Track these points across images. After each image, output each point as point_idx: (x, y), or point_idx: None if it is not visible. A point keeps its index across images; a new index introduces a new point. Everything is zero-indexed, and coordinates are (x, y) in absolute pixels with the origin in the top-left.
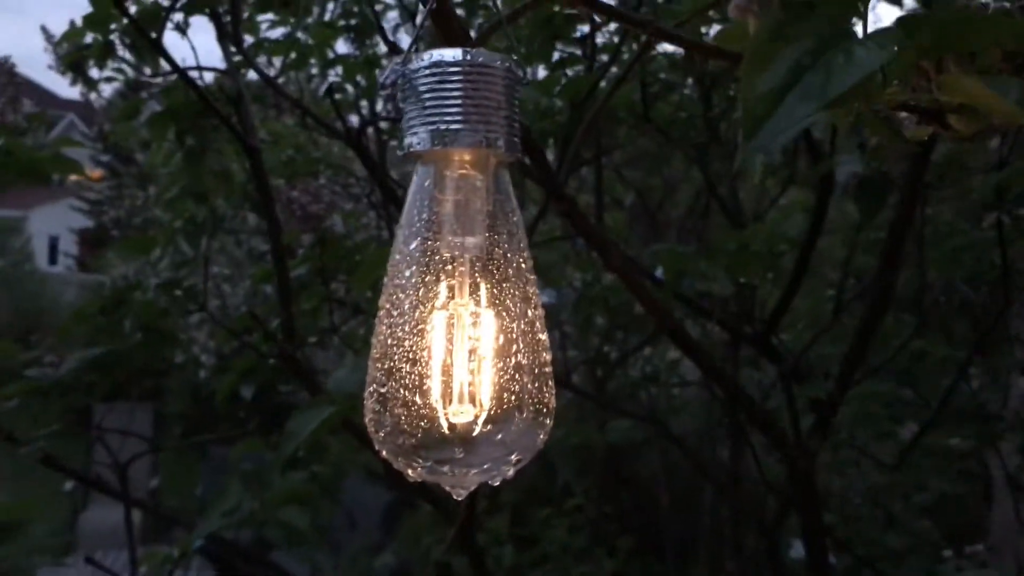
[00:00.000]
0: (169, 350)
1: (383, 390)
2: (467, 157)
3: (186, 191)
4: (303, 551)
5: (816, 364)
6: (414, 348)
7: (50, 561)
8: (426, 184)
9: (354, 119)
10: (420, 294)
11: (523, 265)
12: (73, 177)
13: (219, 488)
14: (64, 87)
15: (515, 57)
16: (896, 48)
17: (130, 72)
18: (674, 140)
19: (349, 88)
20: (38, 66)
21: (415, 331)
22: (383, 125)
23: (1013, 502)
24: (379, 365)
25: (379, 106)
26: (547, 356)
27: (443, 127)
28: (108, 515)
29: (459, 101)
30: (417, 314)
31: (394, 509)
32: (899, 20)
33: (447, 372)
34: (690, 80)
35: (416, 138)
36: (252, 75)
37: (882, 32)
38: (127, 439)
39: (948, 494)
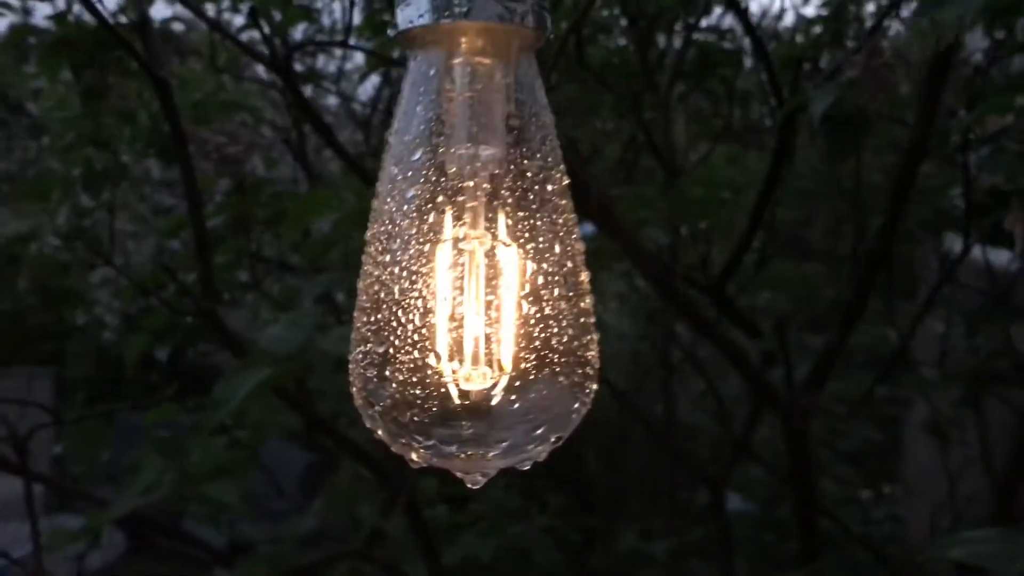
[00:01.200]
0: (70, 309)
1: (379, 350)
2: (483, 40)
3: (84, 136)
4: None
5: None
6: (415, 296)
7: None
8: (430, 73)
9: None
10: (422, 224)
11: (555, 185)
12: None
13: (128, 454)
14: None
15: None
16: None
17: (15, 4)
18: (608, 86)
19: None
20: None
21: (416, 273)
22: (299, 67)
23: (930, 446)
24: (369, 319)
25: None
26: (588, 302)
27: None
28: (11, 483)
29: None
30: (418, 251)
31: (313, 471)
32: None
33: (457, 325)
34: (624, 22)
35: (415, 9)
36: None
37: None
38: (27, 407)
39: (869, 441)
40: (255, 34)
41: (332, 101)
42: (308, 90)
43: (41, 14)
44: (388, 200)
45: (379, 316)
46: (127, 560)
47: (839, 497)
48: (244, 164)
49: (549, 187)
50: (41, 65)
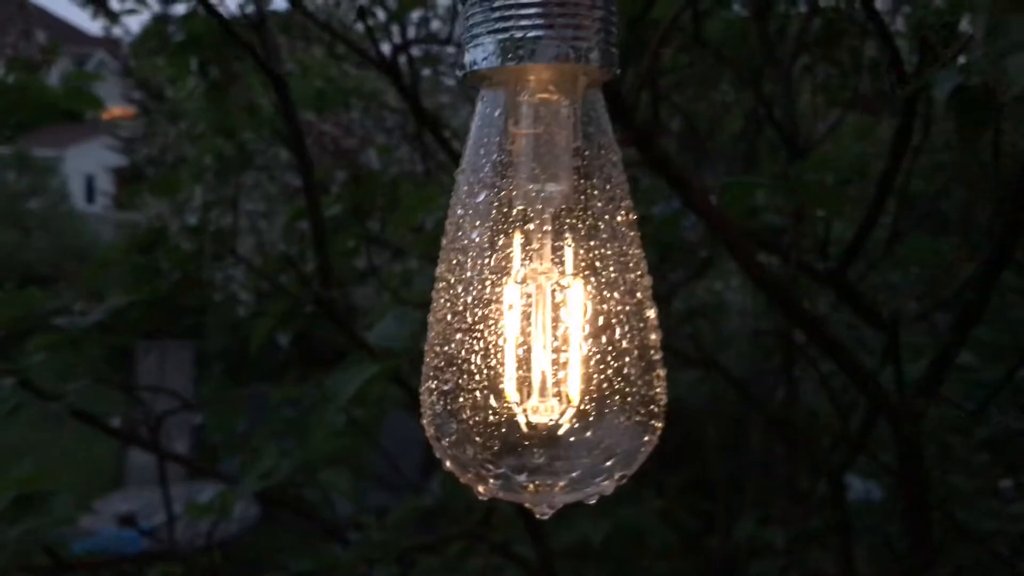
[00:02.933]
0: (203, 293)
1: (445, 386)
2: (549, 76)
3: (212, 127)
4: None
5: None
6: (483, 330)
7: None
8: (495, 115)
9: (386, 47)
10: (490, 260)
11: (623, 219)
12: (107, 115)
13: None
14: (94, 24)
15: None
16: None
17: (152, 3)
18: (726, 60)
19: (379, 13)
20: (62, 1)
21: (484, 308)
22: (416, 51)
23: None
24: (439, 351)
25: (412, 31)
26: (655, 337)
27: (518, 35)
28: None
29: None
30: (486, 286)
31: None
32: None
33: (526, 359)
34: None
35: (481, 51)
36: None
37: None
38: (167, 384)
39: (1009, 428)
40: (374, 20)
41: (452, 82)
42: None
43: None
44: (457, 238)
45: (449, 350)
46: (260, 528)
47: (969, 490)
48: (359, 156)
49: (616, 220)
50: (170, 63)
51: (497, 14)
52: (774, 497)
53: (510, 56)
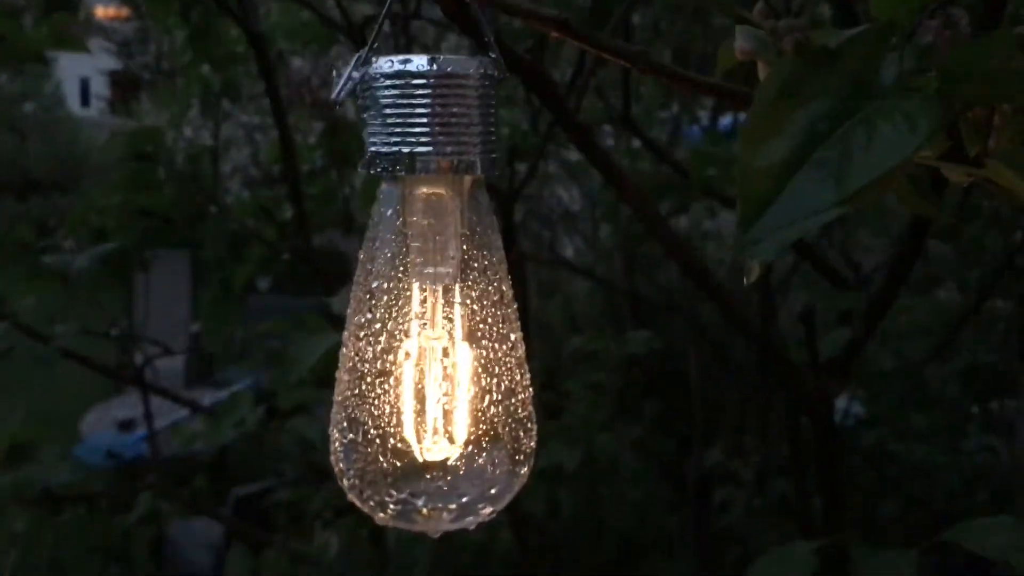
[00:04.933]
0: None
1: (347, 439)
2: (434, 182)
3: (200, 57)
4: None
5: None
6: (384, 383)
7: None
8: (391, 209)
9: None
10: (387, 332)
11: (502, 295)
12: (100, 14)
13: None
14: None
15: (492, 54)
16: (933, 119)
17: None
18: None
19: None
20: None
21: (384, 365)
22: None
23: None
24: (346, 398)
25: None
26: (526, 396)
27: (407, 150)
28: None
29: (425, 120)
30: (384, 353)
31: None
32: (940, 69)
33: (420, 409)
34: None
35: (376, 161)
36: None
37: (916, 87)
38: (166, 288)
39: (981, 360)
40: None
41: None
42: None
43: None
44: (359, 313)
45: (357, 392)
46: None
47: (929, 427)
48: (336, 107)
49: (496, 292)
50: (150, 9)
51: (390, 129)
52: (748, 425)
53: (401, 167)
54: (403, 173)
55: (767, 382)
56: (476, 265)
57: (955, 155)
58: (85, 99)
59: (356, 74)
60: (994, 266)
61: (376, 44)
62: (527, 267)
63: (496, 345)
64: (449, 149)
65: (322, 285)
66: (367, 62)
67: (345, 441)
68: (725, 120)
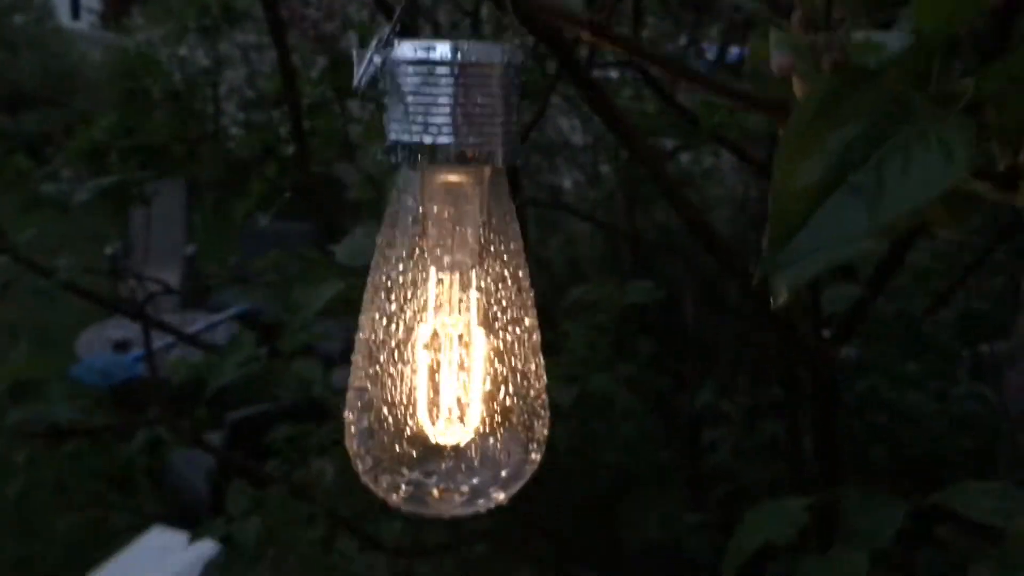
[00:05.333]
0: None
1: (363, 423)
2: (455, 170)
3: None
4: None
5: None
6: (400, 368)
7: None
8: (411, 195)
9: None
10: (404, 318)
11: (519, 282)
12: None
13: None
14: None
15: (517, 41)
16: (968, 145)
17: None
18: None
19: None
20: None
21: (399, 355)
22: None
23: None
24: (361, 384)
25: None
26: (540, 385)
27: (428, 140)
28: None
29: (447, 109)
30: (400, 339)
31: None
32: (977, 83)
33: (434, 393)
34: None
35: (396, 149)
36: None
37: (950, 100)
38: (161, 210)
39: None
40: None
41: None
42: None
43: None
44: (377, 297)
45: (373, 376)
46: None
47: (922, 374)
48: (338, 41)
49: (511, 283)
50: None
51: (412, 117)
52: (742, 365)
53: (423, 156)
54: (425, 163)
55: (762, 324)
56: (493, 251)
57: (984, 170)
58: (75, 11)
59: (377, 58)
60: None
61: (398, 27)
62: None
63: (511, 332)
64: (472, 140)
65: (321, 218)
66: (389, 44)
67: (361, 426)
68: (733, 52)
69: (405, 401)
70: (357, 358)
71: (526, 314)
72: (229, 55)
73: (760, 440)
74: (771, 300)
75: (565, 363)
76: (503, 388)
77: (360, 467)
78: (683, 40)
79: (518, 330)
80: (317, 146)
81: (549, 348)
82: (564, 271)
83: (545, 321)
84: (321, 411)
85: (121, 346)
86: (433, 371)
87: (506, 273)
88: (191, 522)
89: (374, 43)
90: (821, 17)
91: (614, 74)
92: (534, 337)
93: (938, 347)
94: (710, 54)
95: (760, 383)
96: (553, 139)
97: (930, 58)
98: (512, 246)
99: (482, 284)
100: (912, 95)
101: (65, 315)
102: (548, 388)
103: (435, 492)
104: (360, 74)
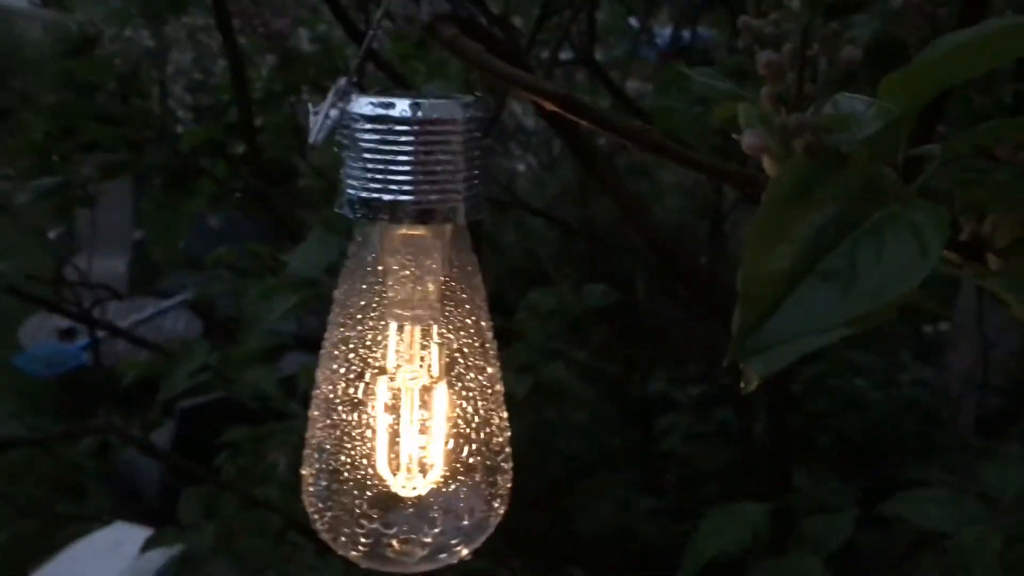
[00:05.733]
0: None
1: (321, 479)
2: (415, 225)
3: None
4: None
5: None
6: (358, 427)
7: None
8: (369, 250)
9: None
10: (363, 372)
11: (483, 337)
12: None
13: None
14: None
15: (478, 94)
16: (942, 234)
17: None
18: None
19: None
20: None
21: (358, 410)
22: None
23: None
24: (319, 451)
25: None
26: (503, 437)
27: (388, 198)
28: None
29: (408, 168)
30: (359, 393)
31: None
32: (955, 178)
33: (395, 444)
34: None
35: (355, 205)
36: None
37: (928, 199)
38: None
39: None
40: None
41: None
42: None
43: None
44: (334, 350)
45: (331, 427)
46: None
47: (867, 362)
48: (288, 39)
49: (474, 336)
50: None
51: (371, 174)
52: (693, 351)
53: (382, 215)
54: (384, 220)
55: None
56: (455, 305)
57: (954, 244)
58: None
59: (334, 112)
60: None
61: (355, 79)
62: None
63: (474, 383)
64: (433, 198)
65: (273, 214)
66: (346, 97)
67: (319, 483)
68: (685, 37)
69: (364, 455)
70: (314, 413)
71: (488, 365)
72: (175, 36)
73: (712, 426)
74: (742, 384)
75: (520, 353)
76: (465, 440)
77: (318, 523)
78: (634, 23)
79: (481, 381)
80: (267, 142)
81: (504, 337)
82: (520, 259)
83: (500, 311)
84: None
85: (67, 334)
86: (394, 425)
87: (468, 324)
88: (144, 513)
89: (330, 96)
90: (792, 95)
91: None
92: (497, 387)
93: (881, 330)
94: (661, 40)
95: (712, 369)
96: (506, 122)
97: (899, 134)
98: (475, 299)
99: (443, 337)
100: (883, 175)
101: (7, 301)
102: (503, 379)
103: (395, 545)
104: (316, 130)
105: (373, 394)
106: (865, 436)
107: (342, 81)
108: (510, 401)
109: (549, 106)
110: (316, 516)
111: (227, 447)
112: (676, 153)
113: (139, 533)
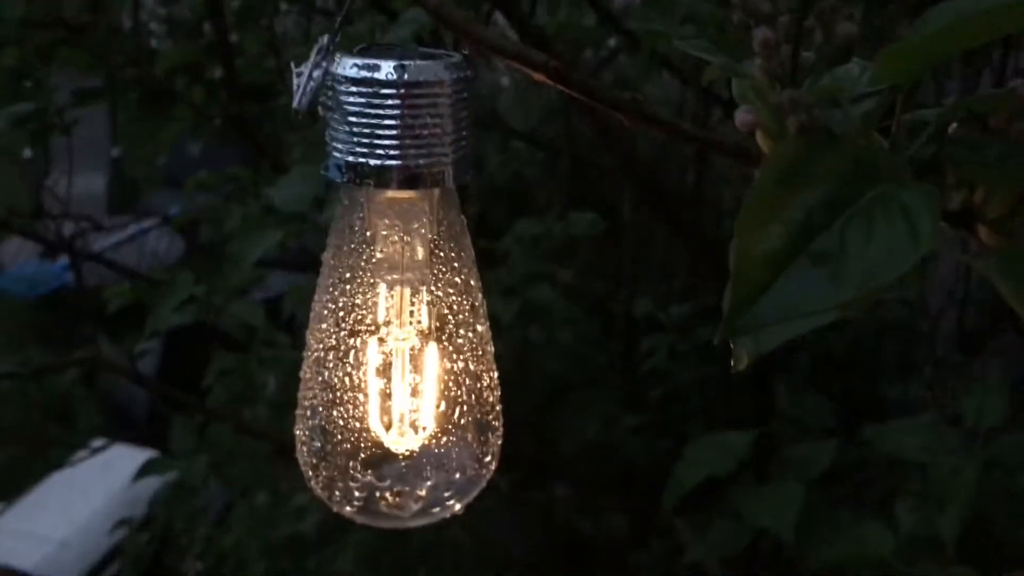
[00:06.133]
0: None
1: (314, 440)
2: (403, 188)
3: None
4: None
5: None
6: (350, 388)
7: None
8: (356, 212)
9: None
10: (353, 334)
11: (472, 296)
12: None
13: (183, 157)
14: None
15: (464, 51)
16: (934, 215)
17: None
18: None
19: None
20: None
21: (349, 371)
22: None
23: None
24: (312, 396)
25: None
26: (494, 395)
27: (375, 163)
28: (76, 184)
29: (394, 131)
30: (350, 355)
31: None
32: (948, 154)
33: (386, 403)
34: None
35: (340, 167)
36: None
37: (920, 170)
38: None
39: None
40: None
41: None
42: None
43: None
44: (323, 312)
45: (323, 387)
46: (185, 263)
47: None
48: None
49: (463, 295)
50: None
51: (356, 137)
52: (678, 269)
53: (368, 180)
54: (368, 186)
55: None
56: (444, 265)
57: (944, 214)
58: None
59: (317, 73)
60: None
61: (338, 39)
62: None
63: (464, 341)
64: (420, 161)
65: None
66: (328, 57)
67: (313, 443)
68: None
69: (357, 417)
70: (306, 374)
71: (478, 324)
72: None
73: (695, 344)
74: (731, 363)
75: (505, 277)
76: (455, 398)
77: (312, 481)
78: None
79: (472, 340)
80: (246, 64)
81: (489, 261)
82: (504, 178)
83: (486, 234)
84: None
85: (49, 252)
86: (386, 386)
87: (458, 283)
88: (134, 434)
89: (312, 56)
90: (786, 69)
91: None
92: (487, 346)
93: None
94: None
95: (696, 287)
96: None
97: (891, 108)
98: (463, 258)
99: (433, 296)
100: (875, 153)
101: None
102: (489, 303)
103: (388, 498)
104: (300, 93)
105: (364, 354)
106: (845, 354)
107: (324, 39)
108: (495, 324)
109: (537, 76)
110: (311, 474)
111: (216, 372)
112: (668, 124)
113: (130, 454)
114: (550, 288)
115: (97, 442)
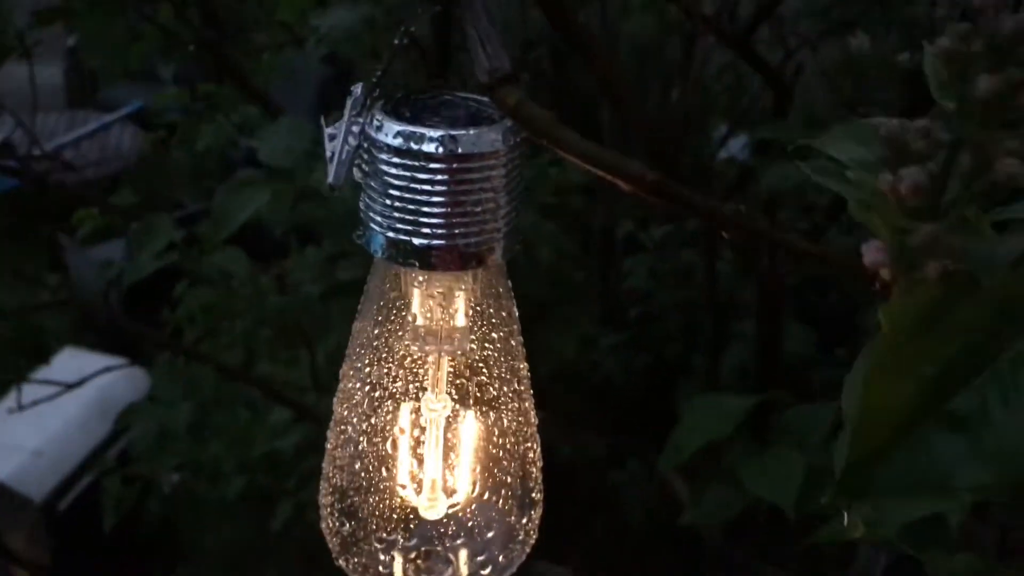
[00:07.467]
0: None
1: (340, 520)
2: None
3: None
4: None
5: None
6: (379, 461)
7: None
8: (393, 287)
9: None
10: (385, 404)
11: (513, 368)
12: None
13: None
14: None
15: (508, 123)
16: None
17: None
18: None
19: None
20: None
21: (380, 443)
22: None
23: None
24: (339, 488)
25: None
26: (536, 470)
27: (420, 243)
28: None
29: (442, 209)
30: (381, 426)
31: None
32: None
33: (420, 469)
34: None
35: (380, 245)
36: None
37: None
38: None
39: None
40: None
41: None
42: None
43: None
44: (360, 369)
45: (349, 451)
46: (147, 162)
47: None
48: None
49: (504, 365)
50: None
51: (396, 213)
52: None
53: (410, 259)
54: (411, 266)
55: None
56: (485, 331)
57: None
58: None
59: (353, 139)
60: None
61: (377, 93)
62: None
63: (504, 415)
64: (470, 240)
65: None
66: (365, 114)
67: (338, 524)
68: None
69: (385, 494)
70: (331, 446)
71: (520, 397)
72: None
73: (676, 266)
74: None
75: None
76: (493, 471)
77: (340, 560)
78: None
79: (510, 413)
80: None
81: None
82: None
83: None
84: None
85: (4, 149)
86: (418, 456)
87: (499, 353)
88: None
89: (347, 114)
90: (927, 201)
91: None
92: (531, 420)
93: None
94: None
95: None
96: None
97: None
98: (507, 326)
99: (473, 366)
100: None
101: None
102: None
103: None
104: (335, 163)
105: (395, 427)
106: (827, 283)
107: (358, 90)
108: None
109: (633, 189)
110: (343, 562)
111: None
112: (776, 236)
113: (102, 362)
114: (528, 208)
115: (68, 351)
